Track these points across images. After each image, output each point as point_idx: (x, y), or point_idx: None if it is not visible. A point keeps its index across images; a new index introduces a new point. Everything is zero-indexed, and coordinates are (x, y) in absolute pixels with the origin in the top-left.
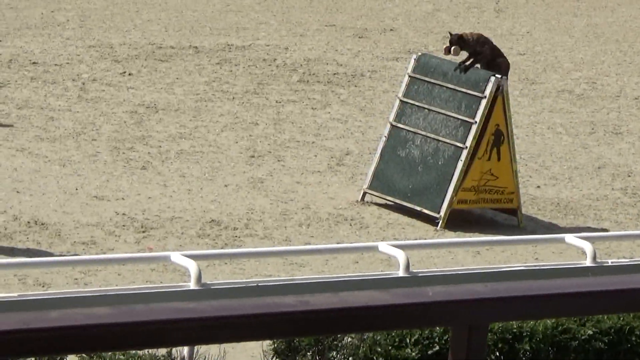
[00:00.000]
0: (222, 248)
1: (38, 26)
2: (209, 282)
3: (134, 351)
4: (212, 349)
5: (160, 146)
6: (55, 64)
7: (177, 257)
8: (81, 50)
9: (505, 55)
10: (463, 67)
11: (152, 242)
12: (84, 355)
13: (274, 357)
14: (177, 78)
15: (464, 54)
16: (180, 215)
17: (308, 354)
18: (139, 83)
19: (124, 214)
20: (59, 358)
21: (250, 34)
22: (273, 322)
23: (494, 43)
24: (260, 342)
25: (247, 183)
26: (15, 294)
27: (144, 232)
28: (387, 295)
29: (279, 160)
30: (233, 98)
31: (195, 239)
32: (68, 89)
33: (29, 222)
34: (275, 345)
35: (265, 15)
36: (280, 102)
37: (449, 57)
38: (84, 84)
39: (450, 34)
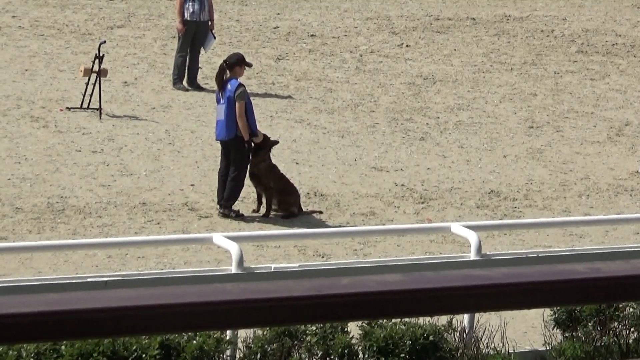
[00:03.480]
0: (501, 219)
1: None
2: (488, 253)
3: (414, 320)
4: (492, 319)
5: (438, 117)
6: (333, 36)
7: (457, 227)
8: (358, 23)
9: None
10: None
11: (431, 213)
12: (363, 323)
13: (555, 327)
14: (455, 49)
15: None
16: (459, 186)
17: (589, 324)
18: (417, 54)
19: (402, 184)
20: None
21: (528, 4)
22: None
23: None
24: (541, 311)
25: (526, 154)
26: (296, 264)
27: (422, 202)
28: None
29: (557, 131)
30: (511, 69)
31: (474, 210)
32: (346, 61)
33: (308, 193)
34: (556, 315)
35: None
36: (558, 73)
37: None
38: (361, 55)
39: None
